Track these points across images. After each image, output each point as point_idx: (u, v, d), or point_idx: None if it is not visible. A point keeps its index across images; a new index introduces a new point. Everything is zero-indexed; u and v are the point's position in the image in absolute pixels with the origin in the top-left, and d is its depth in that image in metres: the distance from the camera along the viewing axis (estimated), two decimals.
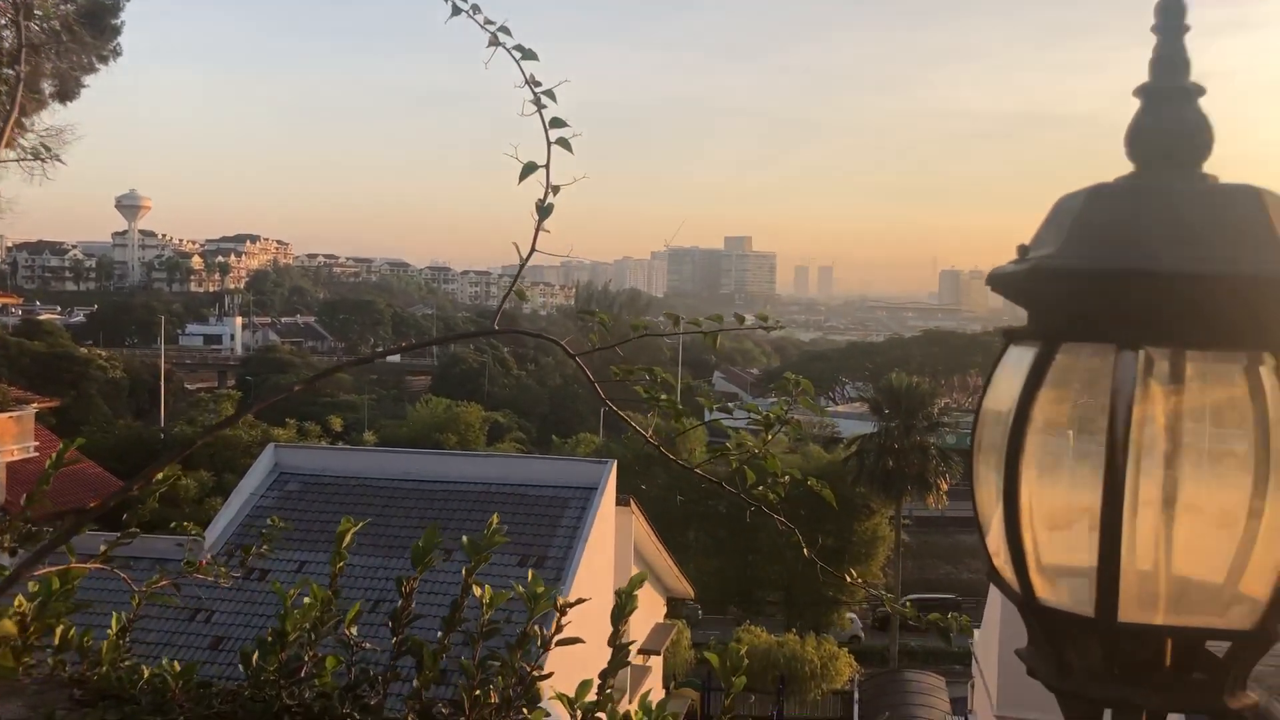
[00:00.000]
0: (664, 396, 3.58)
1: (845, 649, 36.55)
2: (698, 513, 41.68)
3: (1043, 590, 1.44)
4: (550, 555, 18.50)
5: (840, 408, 77.25)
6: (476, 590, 2.62)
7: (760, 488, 3.79)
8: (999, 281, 1.53)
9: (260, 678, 2.45)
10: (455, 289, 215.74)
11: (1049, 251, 1.46)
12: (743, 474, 3.79)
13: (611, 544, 20.78)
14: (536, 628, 2.66)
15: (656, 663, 27.61)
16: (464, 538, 2.70)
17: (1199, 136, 1.49)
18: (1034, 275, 1.46)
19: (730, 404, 3.84)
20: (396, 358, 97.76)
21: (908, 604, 4.76)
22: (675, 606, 32.01)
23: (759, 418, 3.55)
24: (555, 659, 2.56)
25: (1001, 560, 1.46)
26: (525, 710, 2.49)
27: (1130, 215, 1.42)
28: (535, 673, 2.61)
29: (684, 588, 29.39)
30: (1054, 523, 1.44)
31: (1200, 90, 1.51)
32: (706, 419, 4.39)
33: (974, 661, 31.77)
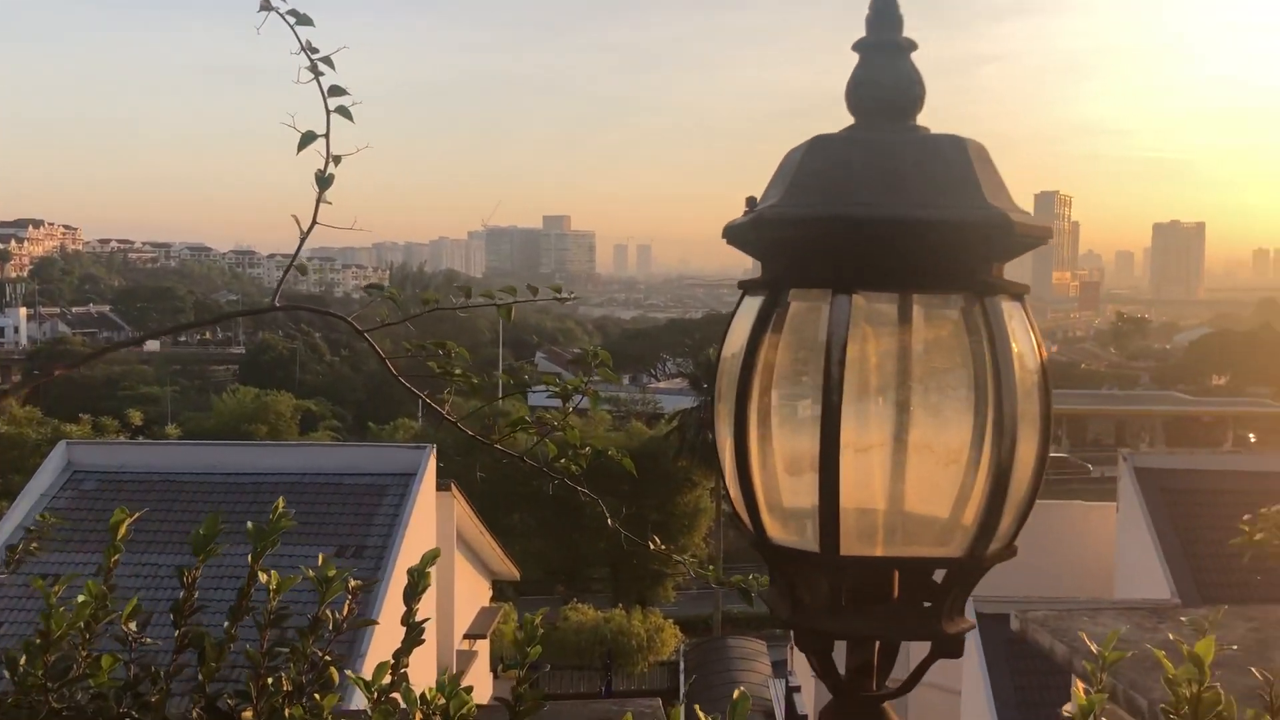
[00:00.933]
0: (458, 371, 3.55)
1: (671, 620, 37.29)
2: (522, 494, 41.61)
3: (773, 529, 1.49)
4: (369, 544, 18.14)
5: (662, 384, 78.47)
6: (263, 577, 2.55)
7: (563, 460, 3.82)
8: (730, 234, 1.58)
9: (28, 683, 2.32)
10: (262, 273, 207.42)
11: (772, 202, 1.50)
12: (549, 449, 3.80)
13: (433, 530, 20.56)
14: (329, 612, 2.59)
15: (484, 646, 27.48)
16: (249, 523, 2.62)
17: (911, 90, 1.54)
18: (757, 225, 1.50)
19: (524, 377, 3.86)
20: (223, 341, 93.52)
21: (710, 568, 4.87)
22: (502, 589, 31.91)
23: (557, 390, 3.57)
24: (382, 647, 2.53)
25: (737, 502, 1.52)
26: (318, 696, 2.45)
27: (845, 165, 1.46)
28: (327, 657, 2.55)
29: (509, 570, 29.36)
30: (780, 464, 1.48)
31: (912, 45, 1.56)
32: (532, 401, 4.40)
33: None
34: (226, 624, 2.49)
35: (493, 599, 29.37)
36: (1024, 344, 1.48)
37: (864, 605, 1.45)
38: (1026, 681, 15.41)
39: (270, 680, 2.41)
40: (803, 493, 1.45)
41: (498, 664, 30.83)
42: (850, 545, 1.42)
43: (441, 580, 19.74)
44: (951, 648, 1.45)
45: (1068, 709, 2.05)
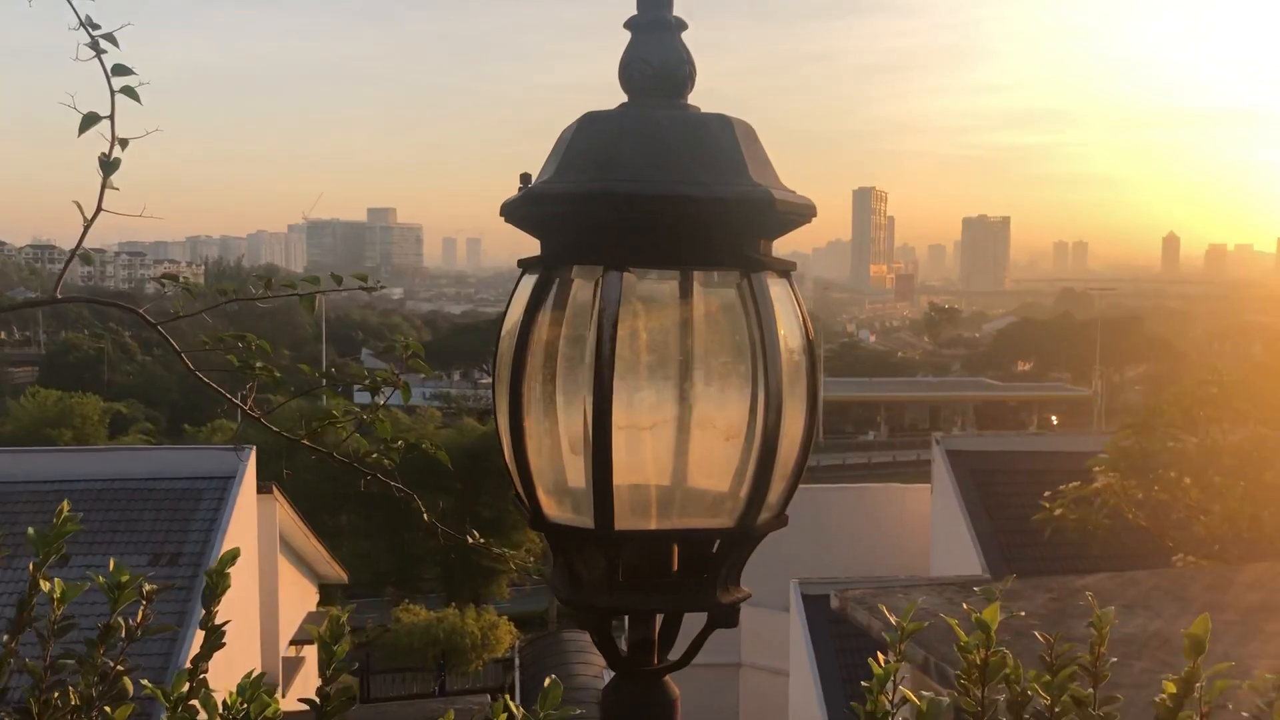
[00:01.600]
0: (259, 365, 3.43)
1: (506, 617, 37.10)
2: (350, 495, 40.56)
3: (549, 507, 1.50)
4: (185, 551, 17.37)
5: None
6: (45, 585, 2.40)
7: (374, 455, 3.74)
8: (505, 211, 1.57)
9: None
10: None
11: (544, 178, 1.51)
12: (359, 444, 3.70)
13: (254, 535, 19.87)
14: (122, 620, 2.45)
15: (311, 652, 26.71)
16: (30, 529, 2.45)
17: (680, 69, 1.56)
18: (527, 201, 1.50)
19: (333, 372, 3.76)
20: None
21: (533, 561, 4.87)
22: (331, 593, 31.07)
23: (366, 384, 3.49)
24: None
25: (516, 481, 1.52)
26: (109, 709, 2.32)
27: (614, 141, 1.47)
28: (120, 668, 2.41)
29: (337, 573, 28.63)
30: (554, 442, 1.49)
31: (682, 24, 1.58)
32: (358, 398, 4.27)
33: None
34: (5, 637, 2.32)
35: (320, 603, 28.57)
36: (791, 321, 1.51)
37: (641, 580, 1.47)
38: (851, 660, 15.95)
39: (57, 695, 2.27)
40: (576, 470, 1.45)
41: (325, 669, 30.02)
42: (624, 520, 1.43)
43: (265, 585, 19.07)
44: (727, 618, 1.48)
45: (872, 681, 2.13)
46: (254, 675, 2.48)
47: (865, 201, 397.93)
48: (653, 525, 1.46)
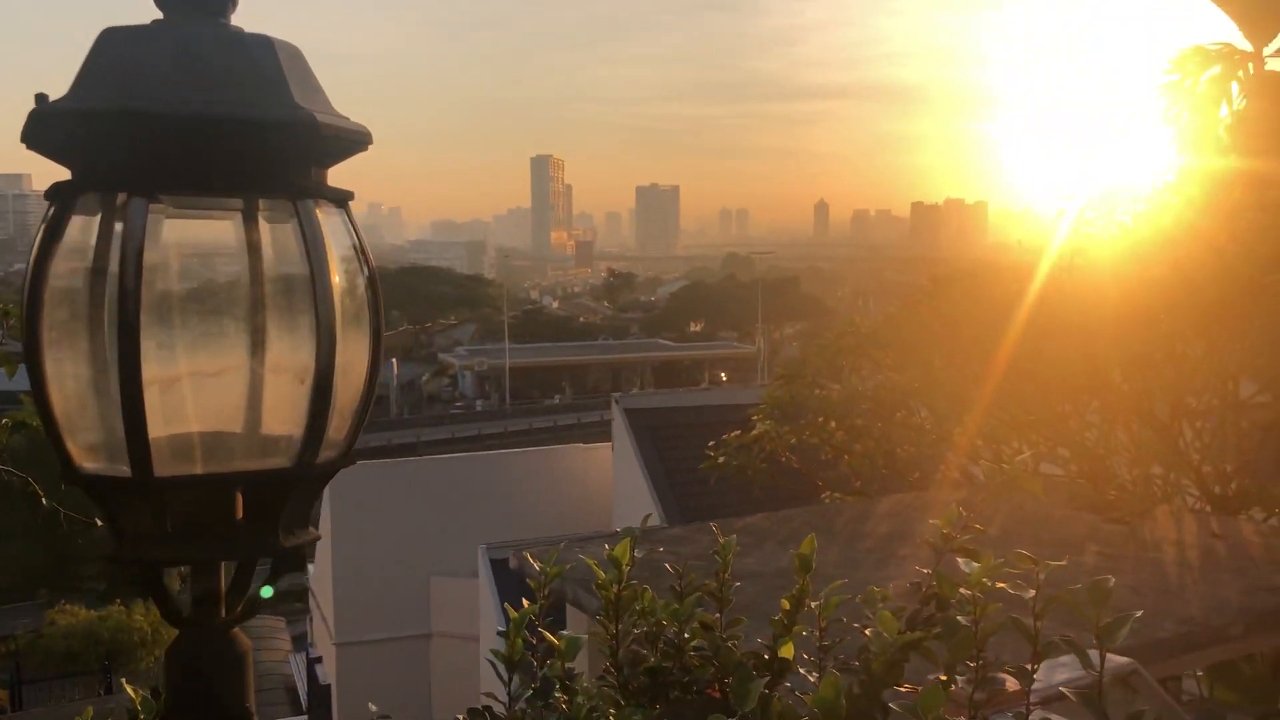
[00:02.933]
0: None
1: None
2: None
3: (82, 458, 1.38)
4: None
5: None
6: None
7: None
8: (25, 136, 1.39)
9: None
10: None
11: (64, 99, 1.36)
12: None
13: None
14: None
15: None
16: None
17: None
18: (38, 123, 1.35)
19: None
20: None
21: None
22: None
23: None
24: None
25: (47, 432, 1.38)
26: None
27: (138, 58, 1.36)
28: None
29: None
30: (82, 386, 1.37)
31: None
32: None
33: (311, 596, 32.19)
34: None
35: None
36: (347, 252, 1.45)
37: (198, 530, 1.38)
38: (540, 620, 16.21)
39: None
40: (109, 415, 1.33)
41: None
42: (166, 466, 1.33)
43: None
44: (292, 561, 1.42)
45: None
46: None
47: (543, 169, 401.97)
48: (199, 470, 1.37)
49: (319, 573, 30.33)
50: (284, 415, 1.37)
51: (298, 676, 23.41)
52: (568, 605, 8.79)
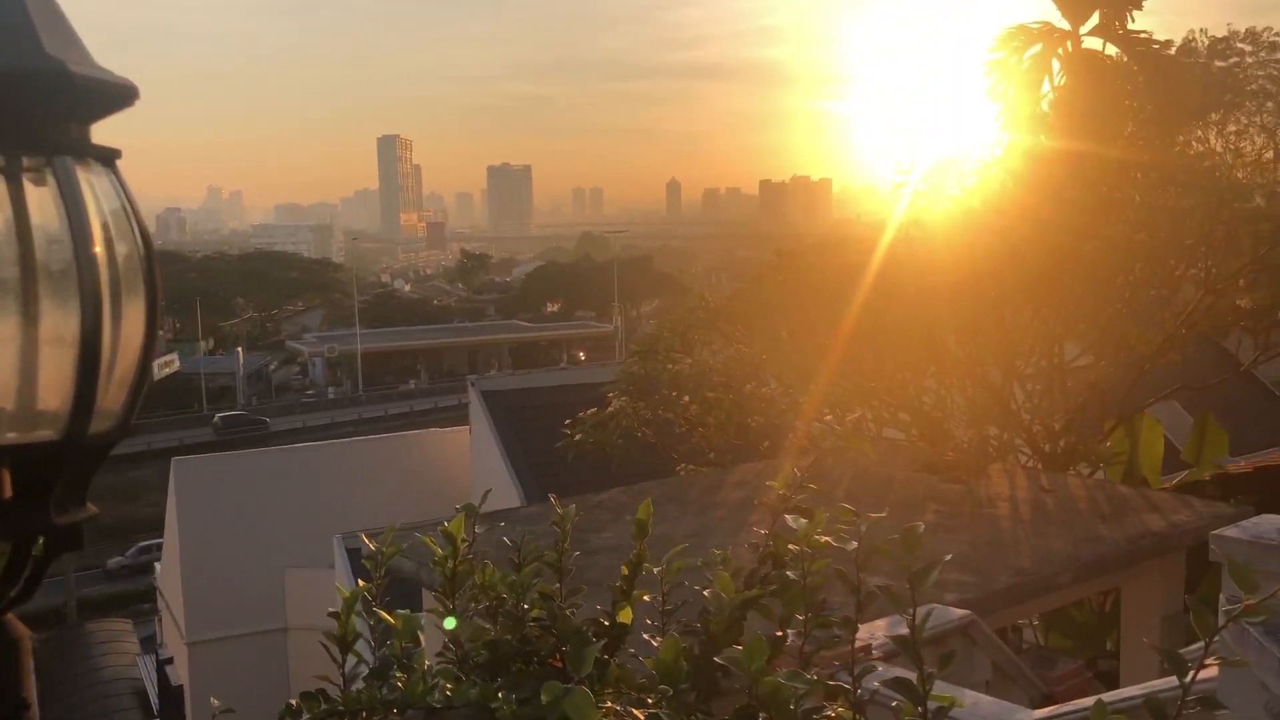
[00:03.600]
0: None
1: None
2: None
3: None
4: None
5: None
6: None
7: None
8: None
9: None
10: None
11: None
12: None
13: None
14: None
15: None
16: None
17: None
18: None
19: None
20: None
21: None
22: None
23: None
24: None
25: None
26: None
27: None
28: None
29: None
30: None
31: None
32: None
33: (159, 596, 30.95)
34: None
35: None
36: (116, 214, 1.38)
37: None
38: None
39: None
40: None
41: None
42: None
43: None
44: (69, 540, 1.35)
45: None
46: None
47: (391, 149, 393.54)
48: None
49: (166, 570, 29.17)
50: (51, 386, 1.28)
51: (148, 680, 22.51)
52: (423, 589, 8.70)
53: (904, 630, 3.59)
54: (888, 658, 3.66)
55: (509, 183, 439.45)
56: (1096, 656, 9.86)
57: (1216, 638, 1.48)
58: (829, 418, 12.05)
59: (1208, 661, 1.49)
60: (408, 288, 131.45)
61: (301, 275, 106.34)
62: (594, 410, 13.47)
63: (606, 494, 10.33)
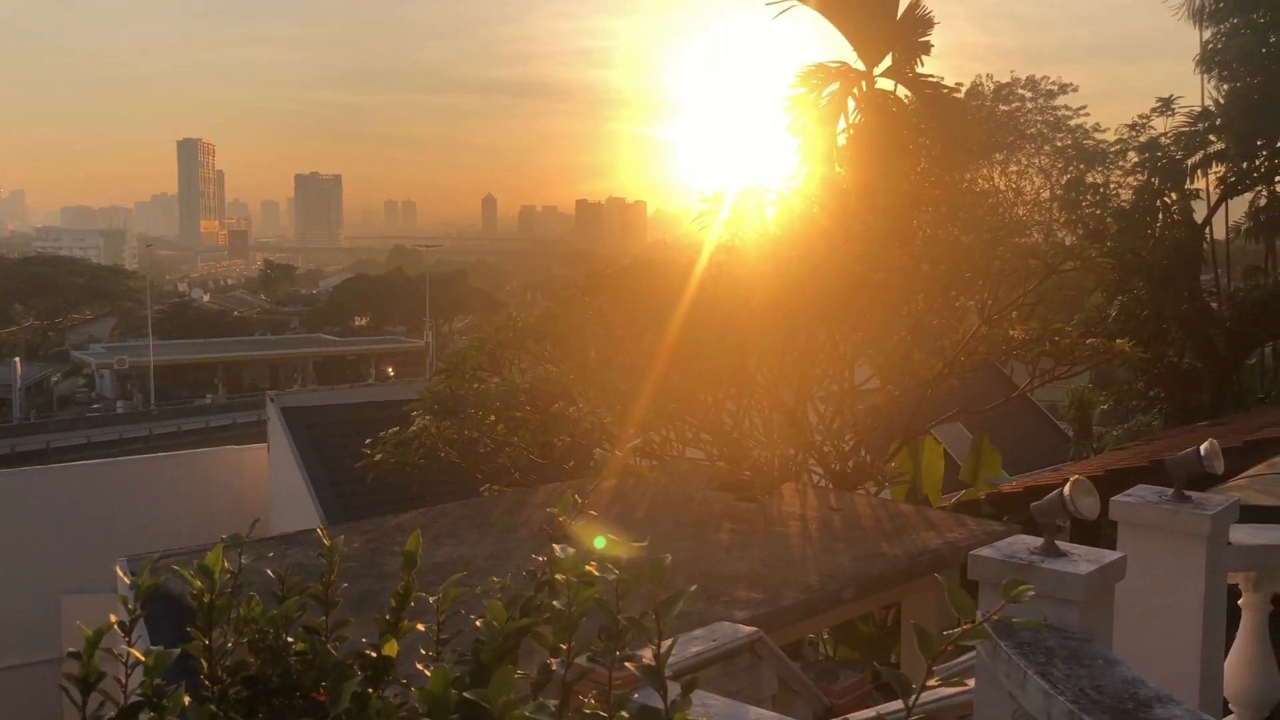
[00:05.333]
0: None
1: None
2: None
3: None
4: None
5: None
6: None
7: None
8: None
9: None
10: None
11: None
12: None
13: None
14: None
15: None
16: None
17: None
18: None
19: None
20: None
21: None
22: None
23: None
24: None
25: None
26: None
27: None
28: None
29: None
30: None
31: None
32: None
33: None
34: None
35: None
36: None
37: None
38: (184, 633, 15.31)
39: None
40: None
41: None
42: None
43: None
44: None
45: None
46: None
47: (192, 153, 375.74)
48: None
49: None
50: None
51: None
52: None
53: (699, 649, 3.67)
54: (676, 675, 3.73)
55: (318, 192, 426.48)
56: (881, 666, 10.33)
57: (971, 651, 1.59)
58: (633, 438, 12.21)
59: (929, 683, 1.60)
60: (206, 298, 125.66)
61: (89, 282, 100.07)
62: (396, 429, 13.19)
63: (405, 516, 10.14)
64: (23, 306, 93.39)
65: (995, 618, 1.88)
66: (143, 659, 2.07)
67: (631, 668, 1.69)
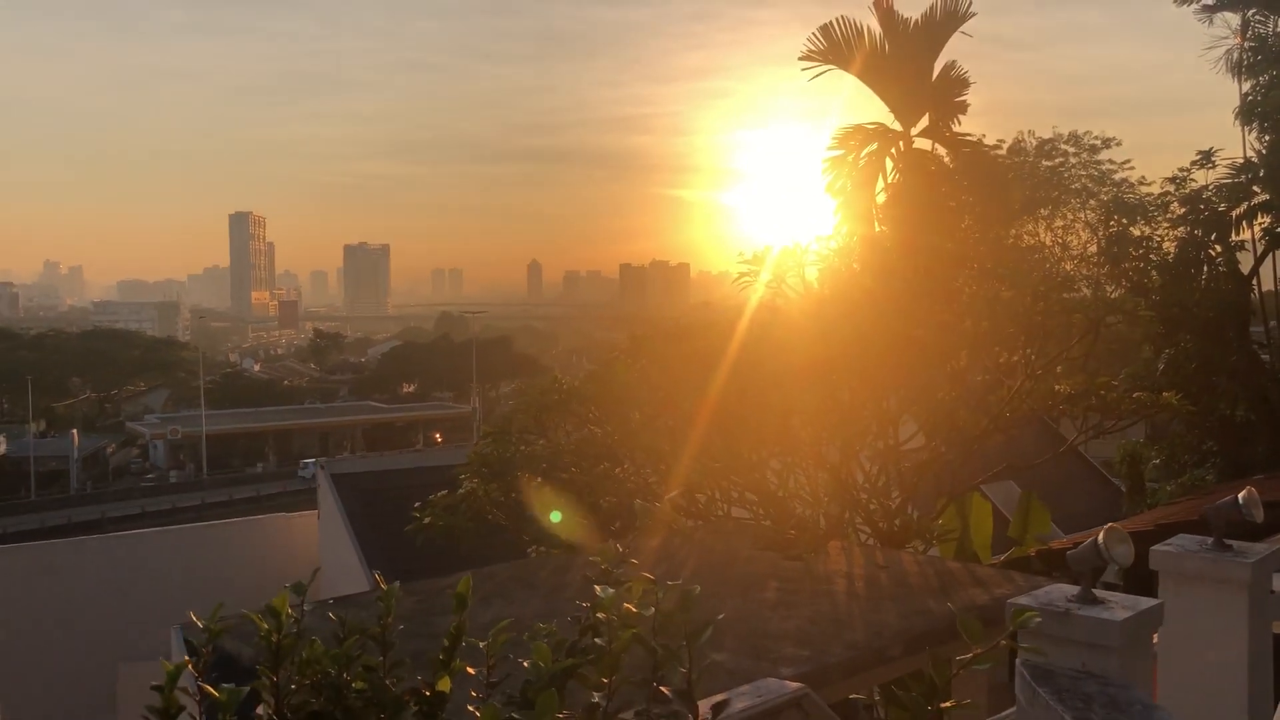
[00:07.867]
0: None
1: None
2: None
3: None
4: None
5: None
6: None
7: None
8: None
9: None
10: None
11: None
12: None
13: None
14: None
15: None
16: None
17: None
18: None
19: None
20: None
21: None
22: None
23: None
24: None
25: None
26: None
27: None
28: None
29: None
30: None
31: None
32: None
33: None
34: None
35: None
36: None
37: None
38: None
39: None
40: None
41: None
42: None
43: None
44: None
45: None
46: None
47: (243, 226, 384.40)
48: None
49: None
50: None
51: None
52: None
53: (745, 705, 3.77)
54: None
55: (366, 262, 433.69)
56: None
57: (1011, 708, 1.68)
58: (682, 500, 12.27)
59: None
60: (257, 367, 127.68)
61: (144, 354, 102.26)
62: (444, 493, 13.36)
63: (453, 578, 10.25)
64: (80, 379, 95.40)
65: (1003, 644, 1.96)
66: (216, 695, 2.21)
67: (666, 691, 1.79)
